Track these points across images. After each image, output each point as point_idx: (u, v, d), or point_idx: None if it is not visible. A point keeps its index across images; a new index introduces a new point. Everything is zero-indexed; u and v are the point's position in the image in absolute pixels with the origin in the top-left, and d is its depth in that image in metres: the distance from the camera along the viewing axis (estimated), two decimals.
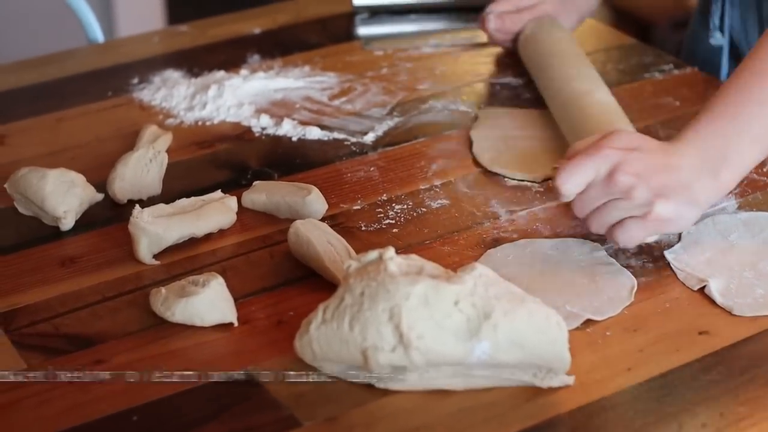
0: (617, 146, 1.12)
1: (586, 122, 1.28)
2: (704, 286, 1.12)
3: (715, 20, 1.54)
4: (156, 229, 1.16)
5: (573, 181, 1.11)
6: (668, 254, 1.17)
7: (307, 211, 1.22)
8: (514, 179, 1.30)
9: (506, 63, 1.57)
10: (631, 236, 1.13)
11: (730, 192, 1.27)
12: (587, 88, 1.35)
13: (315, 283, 1.14)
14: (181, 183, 1.30)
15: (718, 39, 1.55)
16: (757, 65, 1.18)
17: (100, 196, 1.26)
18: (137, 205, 1.18)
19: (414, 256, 1.02)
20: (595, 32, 1.68)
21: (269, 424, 0.98)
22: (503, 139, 1.37)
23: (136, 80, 1.53)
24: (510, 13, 1.55)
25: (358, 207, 1.26)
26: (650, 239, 1.16)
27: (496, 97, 1.49)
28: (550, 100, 1.39)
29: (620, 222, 1.13)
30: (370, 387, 1.00)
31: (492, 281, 1.00)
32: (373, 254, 1.01)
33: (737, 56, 1.55)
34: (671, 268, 1.16)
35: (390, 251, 1.01)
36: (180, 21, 1.73)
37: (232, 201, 1.23)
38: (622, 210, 1.12)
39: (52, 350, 1.06)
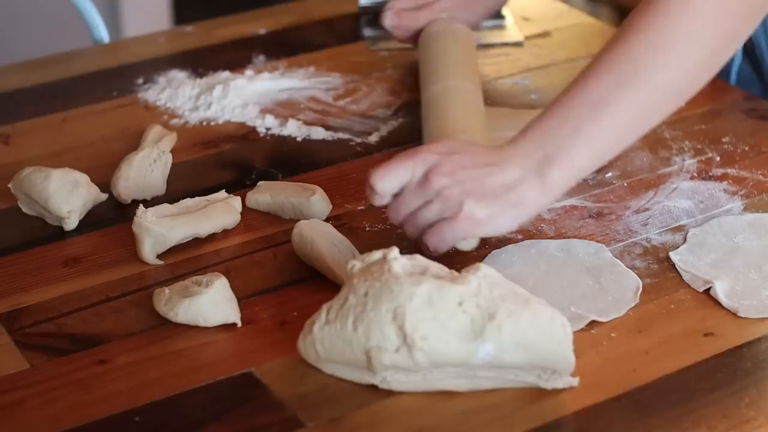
0: (436, 151, 1.11)
1: (439, 129, 1.27)
2: (709, 288, 1.12)
3: None
4: (160, 229, 1.16)
5: (386, 180, 1.10)
6: (673, 255, 1.17)
7: (312, 211, 1.22)
8: None
9: (511, 63, 1.57)
10: (441, 238, 1.10)
11: (737, 194, 1.26)
12: (452, 97, 1.33)
13: (319, 283, 1.13)
14: (185, 183, 1.30)
15: None
16: (596, 67, 1.13)
17: (104, 196, 1.25)
18: (141, 205, 1.18)
19: (418, 257, 1.02)
20: (601, 33, 1.68)
21: (272, 425, 0.98)
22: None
23: (141, 80, 1.53)
24: (408, 11, 1.52)
25: (363, 207, 1.26)
26: (466, 246, 1.14)
27: (500, 97, 1.48)
28: (424, 106, 1.37)
29: (433, 225, 1.11)
30: (373, 388, 1.00)
31: (496, 282, 1.00)
32: (377, 254, 1.01)
33: (751, 53, 1.54)
34: (676, 269, 1.15)
35: (394, 251, 1.01)
36: (186, 21, 1.73)
37: (236, 201, 1.22)
38: (434, 212, 1.10)
39: (55, 350, 1.06)
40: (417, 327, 0.97)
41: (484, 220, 1.09)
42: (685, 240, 1.19)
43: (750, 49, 1.53)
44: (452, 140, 1.14)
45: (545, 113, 1.13)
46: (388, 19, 1.52)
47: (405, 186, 1.10)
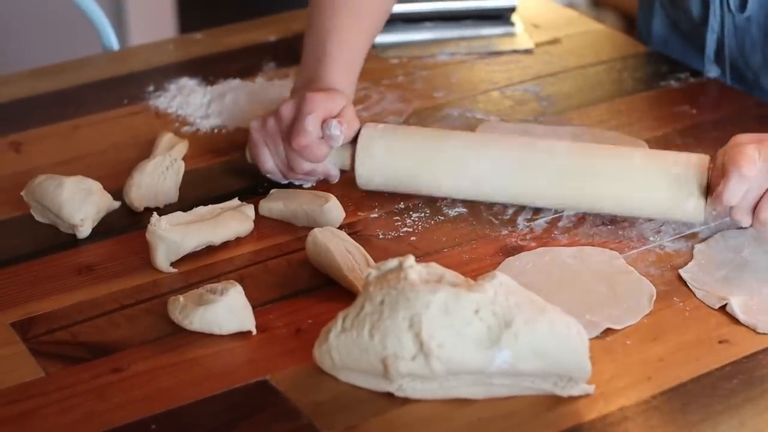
0: (752, 141, 1.15)
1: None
2: (725, 305, 1.11)
3: (710, 53, 1.52)
4: (174, 237, 1.16)
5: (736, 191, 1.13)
6: (684, 273, 1.16)
7: (325, 219, 1.22)
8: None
9: (522, 70, 1.57)
10: None
11: None
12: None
13: (333, 291, 1.13)
14: (197, 191, 1.30)
15: (714, 71, 1.53)
16: None
17: (116, 204, 1.25)
18: (155, 213, 1.18)
19: (434, 264, 1.02)
20: (611, 40, 1.68)
21: None
22: None
23: (151, 88, 1.53)
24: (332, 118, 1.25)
25: (376, 215, 1.26)
26: None
27: (511, 105, 1.48)
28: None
29: None
30: (389, 396, 1.00)
31: (512, 290, 1.00)
32: (392, 262, 1.01)
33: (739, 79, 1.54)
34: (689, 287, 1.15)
35: (410, 259, 1.00)
36: (191, 29, 1.73)
37: (249, 209, 1.22)
38: None
39: (70, 358, 1.06)
40: (433, 335, 0.97)
41: None
42: (692, 257, 1.18)
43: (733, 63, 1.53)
44: (745, 135, 1.17)
45: None
46: (336, 129, 1.23)
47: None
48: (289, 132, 1.24)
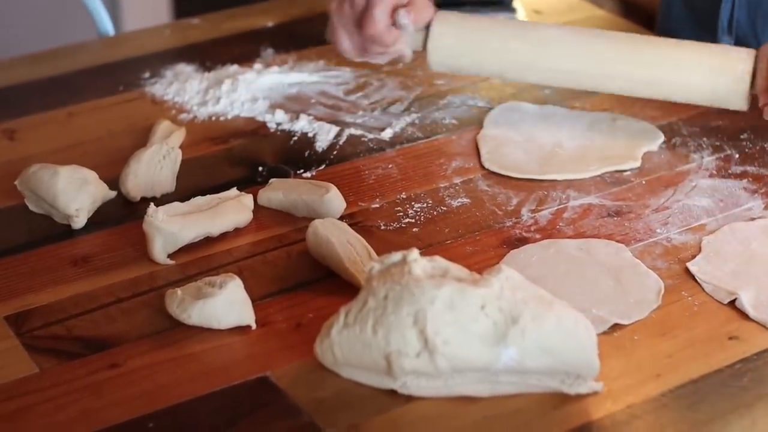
0: None
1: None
2: (734, 299, 1.09)
3: (724, 22, 1.50)
4: (171, 228, 1.13)
5: None
6: (691, 266, 1.13)
7: (326, 209, 1.19)
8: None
9: None
10: None
11: (757, 192, 1.24)
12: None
13: (334, 284, 1.11)
14: (194, 180, 1.28)
15: (727, 41, 1.51)
16: None
17: (112, 194, 1.23)
18: (152, 204, 1.15)
19: (438, 258, 0.99)
20: (614, 26, 1.65)
21: (289, 431, 0.95)
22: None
23: (147, 74, 1.50)
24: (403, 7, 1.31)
25: (377, 205, 1.23)
26: None
27: (513, 92, 1.46)
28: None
29: None
30: (393, 393, 0.98)
31: (519, 285, 0.97)
32: (396, 256, 0.99)
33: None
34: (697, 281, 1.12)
35: (414, 253, 0.98)
36: (187, 14, 1.70)
37: (248, 199, 1.20)
38: None
39: (65, 353, 1.04)
40: (439, 331, 0.94)
41: None
42: (700, 249, 1.16)
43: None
44: None
45: None
46: (404, 18, 1.30)
47: None
48: (360, 19, 1.30)
